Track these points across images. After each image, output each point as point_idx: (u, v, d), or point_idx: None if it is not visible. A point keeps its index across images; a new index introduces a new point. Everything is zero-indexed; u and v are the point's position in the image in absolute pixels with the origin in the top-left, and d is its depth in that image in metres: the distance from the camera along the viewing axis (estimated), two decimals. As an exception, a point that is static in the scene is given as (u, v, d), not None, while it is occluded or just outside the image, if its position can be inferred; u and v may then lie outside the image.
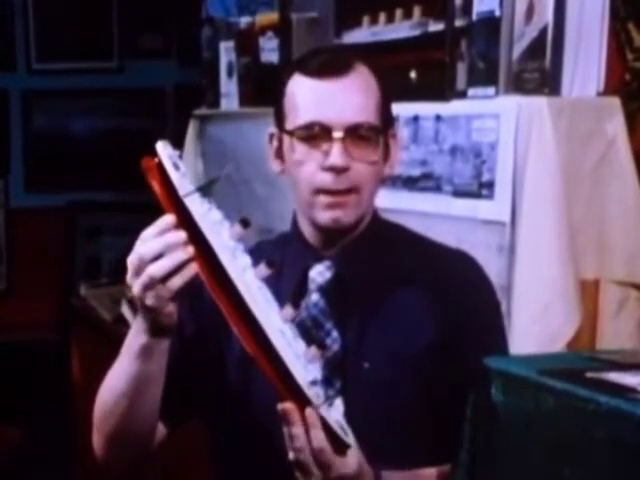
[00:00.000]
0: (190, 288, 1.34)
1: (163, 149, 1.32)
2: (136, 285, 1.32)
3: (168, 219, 1.31)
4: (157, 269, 1.30)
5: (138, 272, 1.32)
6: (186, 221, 1.30)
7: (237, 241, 1.31)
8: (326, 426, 1.31)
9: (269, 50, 3.03)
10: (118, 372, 1.46)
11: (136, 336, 1.41)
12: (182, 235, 1.30)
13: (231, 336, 1.35)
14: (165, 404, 1.50)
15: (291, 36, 2.93)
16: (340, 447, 1.32)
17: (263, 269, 1.32)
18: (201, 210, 1.30)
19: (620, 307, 2.04)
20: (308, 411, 1.31)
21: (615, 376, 1.13)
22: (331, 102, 1.46)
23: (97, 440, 1.55)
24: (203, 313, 1.50)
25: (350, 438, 1.33)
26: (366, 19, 2.68)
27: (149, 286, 1.31)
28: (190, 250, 1.30)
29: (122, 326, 3.18)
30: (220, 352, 1.55)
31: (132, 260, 1.33)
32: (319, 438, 1.31)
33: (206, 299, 1.36)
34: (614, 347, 1.93)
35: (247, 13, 3.31)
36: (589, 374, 1.15)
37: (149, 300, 1.32)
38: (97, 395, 1.52)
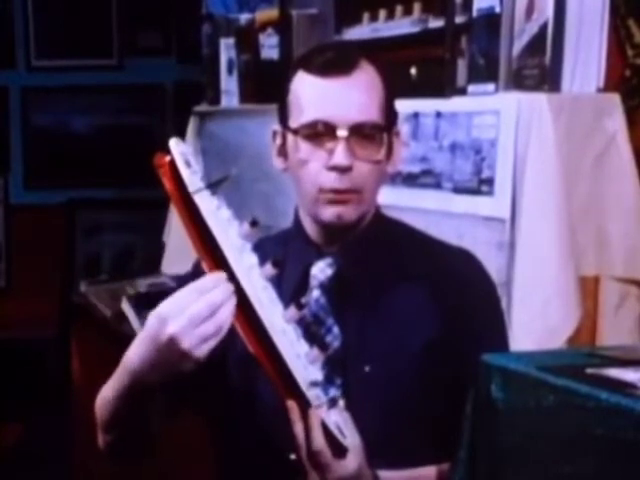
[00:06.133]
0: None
1: (176, 146, 1.32)
2: (196, 336, 1.29)
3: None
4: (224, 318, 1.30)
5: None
6: (195, 218, 1.31)
7: (245, 240, 1.32)
8: (325, 428, 1.32)
9: (269, 47, 3.03)
10: (114, 394, 1.45)
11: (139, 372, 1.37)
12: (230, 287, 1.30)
13: (234, 335, 1.35)
14: None
15: (291, 33, 2.93)
16: (338, 450, 1.33)
17: (269, 269, 1.32)
18: (210, 207, 1.30)
19: (620, 303, 2.04)
20: (310, 412, 1.31)
21: (615, 372, 1.13)
22: (335, 100, 1.45)
23: (101, 440, 1.56)
24: None
25: (348, 441, 1.33)
26: (366, 15, 2.68)
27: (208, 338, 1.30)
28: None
29: (122, 323, 3.18)
30: (222, 350, 1.55)
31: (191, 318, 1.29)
32: (318, 440, 1.31)
33: None
34: (614, 343, 1.93)
35: (247, 10, 3.31)
36: (589, 370, 1.15)
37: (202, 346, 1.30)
38: (96, 406, 1.52)
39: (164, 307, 1.31)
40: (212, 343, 1.30)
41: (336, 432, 1.32)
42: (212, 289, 1.29)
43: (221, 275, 1.30)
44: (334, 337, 1.50)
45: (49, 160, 5.06)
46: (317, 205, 1.48)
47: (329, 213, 1.47)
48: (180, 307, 1.29)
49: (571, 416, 1.09)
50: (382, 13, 2.61)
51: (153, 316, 1.31)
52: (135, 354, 1.37)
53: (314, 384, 1.32)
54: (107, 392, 1.47)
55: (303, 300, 1.36)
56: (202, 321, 1.28)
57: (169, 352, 1.30)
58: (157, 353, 1.32)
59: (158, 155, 1.32)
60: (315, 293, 1.51)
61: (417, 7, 2.47)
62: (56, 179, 5.02)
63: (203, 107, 3.44)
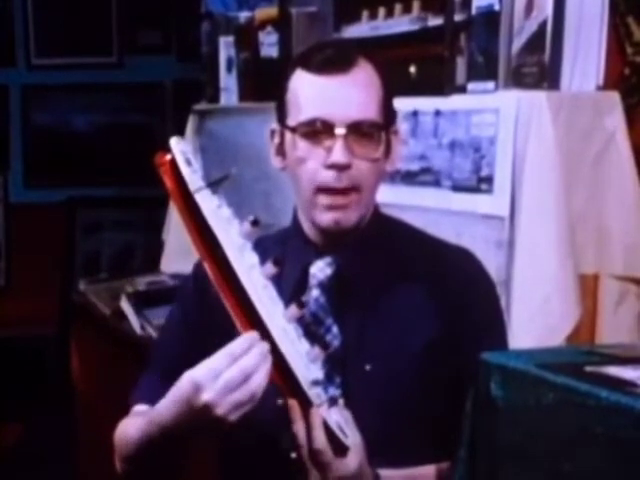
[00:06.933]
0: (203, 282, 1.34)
1: (176, 145, 1.32)
2: (230, 403, 1.29)
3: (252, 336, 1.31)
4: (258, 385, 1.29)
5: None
6: (196, 217, 1.31)
7: (245, 239, 1.32)
8: (326, 427, 1.32)
9: (268, 45, 3.03)
10: (140, 437, 1.45)
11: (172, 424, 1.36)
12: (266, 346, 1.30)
13: (235, 334, 1.35)
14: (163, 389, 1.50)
15: (291, 31, 2.93)
16: (339, 448, 1.33)
17: (270, 268, 1.32)
18: (211, 206, 1.31)
19: (619, 301, 2.04)
20: (312, 411, 1.31)
21: (615, 370, 1.13)
22: (333, 98, 1.45)
23: (119, 467, 1.56)
24: (211, 308, 1.49)
25: (349, 440, 1.34)
26: (365, 13, 2.68)
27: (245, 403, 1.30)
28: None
29: (121, 321, 3.18)
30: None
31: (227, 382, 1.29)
32: (319, 439, 1.31)
33: (214, 295, 1.35)
34: (613, 341, 1.93)
35: (246, 8, 3.31)
36: (588, 368, 1.15)
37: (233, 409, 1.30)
38: (116, 437, 1.54)
39: (198, 372, 1.30)
40: (246, 408, 1.30)
41: (337, 431, 1.32)
42: (246, 352, 1.29)
43: (254, 336, 1.30)
44: (333, 336, 1.50)
45: (49, 158, 5.06)
46: (315, 209, 1.48)
47: (327, 218, 1.47)
48: (214, 373, 1.29)
49: (571, 414, 1.09)
50: (381, 11, 2.61)
51: (187, 381, 1.31)
52: (167, 413, 1.37)
53: (315, 383, 1.32)
54: (131, 431, 1.48)
55: (303, 299, 1.36)
56: (236, 387, 1.28)
57: (202, 417, 1.30)
58: (190, 416, 1.32)
59: (159, 154, 1.32)
60: (314, 292, 1.51)
61: (416, 5, 2.47)
62: (56, 177, 5.02)
63: (202, 105, 3.44)
